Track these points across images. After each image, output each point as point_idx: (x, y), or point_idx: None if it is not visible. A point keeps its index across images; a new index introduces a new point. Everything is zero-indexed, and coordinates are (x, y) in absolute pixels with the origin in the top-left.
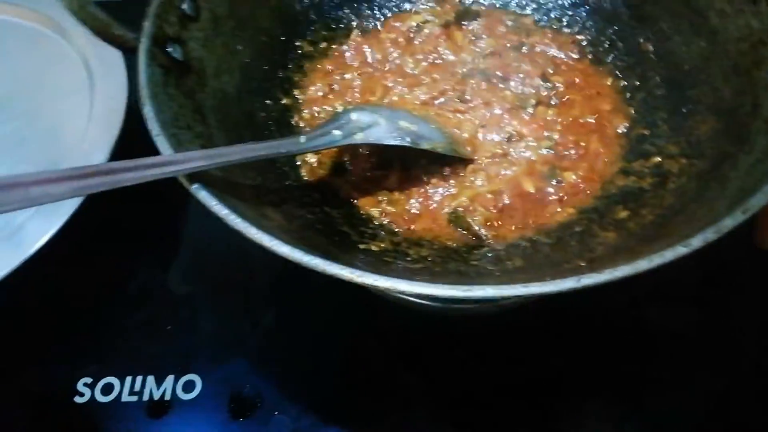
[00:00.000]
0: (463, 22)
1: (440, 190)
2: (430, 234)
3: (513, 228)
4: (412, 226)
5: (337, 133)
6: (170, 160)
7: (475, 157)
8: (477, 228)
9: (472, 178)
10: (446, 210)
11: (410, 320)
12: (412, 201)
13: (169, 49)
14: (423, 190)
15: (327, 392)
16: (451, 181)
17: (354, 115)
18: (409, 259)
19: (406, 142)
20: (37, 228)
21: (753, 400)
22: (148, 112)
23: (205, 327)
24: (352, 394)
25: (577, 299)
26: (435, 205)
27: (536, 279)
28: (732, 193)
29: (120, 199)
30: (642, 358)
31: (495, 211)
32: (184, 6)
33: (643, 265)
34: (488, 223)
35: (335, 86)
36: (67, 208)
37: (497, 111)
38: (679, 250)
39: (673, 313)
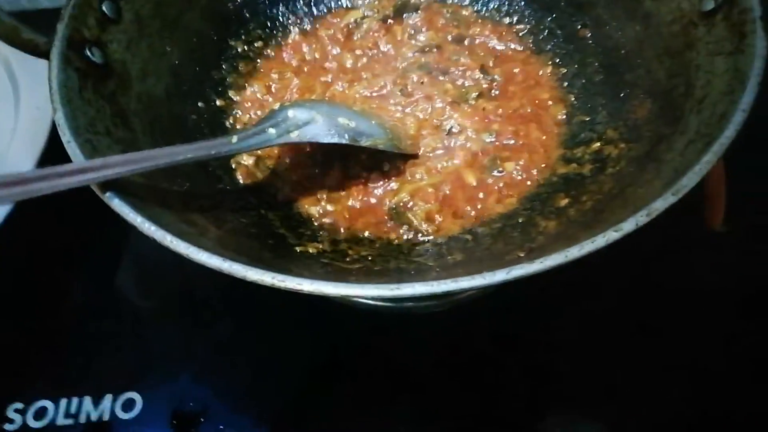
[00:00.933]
0: (402, 16)
1: (381, 185)
2: (371, 231)
3: (455, 221)
4: (353, 224)
5: (272, 131)
6: (85, 167)
7: (418, 152)
8: (417, 223)
9: (413, 173)
10: (387, 206)
11: (368, 325)
12: (353, 198)
13: (87, 53)
14: (363, 186)
15: (277, 403)
16: (392, 177)
17: (291, 112)
18: (348, 259)
19: (345, 139)
20: None
21: (702, 388)
22: (59, 118)
23: (146, 341)
24: (303, 405)
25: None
26: (376, 201)
27: (471, 273)
28: (667, 175)
29: (56, 206)
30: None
31: (436, 205)
32: (104, 7)
33: (574, 252)
34: (429, 218)
35: (273, 86)
36: None
37: (438, 104)
38: (611, 235)
39: (624, 300)
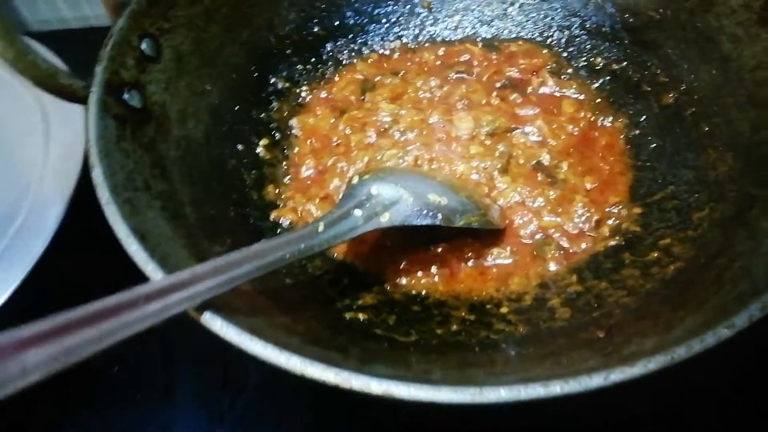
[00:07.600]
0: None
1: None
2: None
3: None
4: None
5: (357, 213)
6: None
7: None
8: None
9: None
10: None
11: None
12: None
13: (126, 96)
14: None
15: None
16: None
17: (374, 189)
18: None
19: (438, 220)
20: None
21: None
22: (97, 176)
23: (181, 399)
24: None
25: None
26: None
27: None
28: None
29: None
30: None
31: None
32: (144, 46)
33: (680, 353)
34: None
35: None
36: (28, 260)
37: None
38: (722, 333)
39: None
